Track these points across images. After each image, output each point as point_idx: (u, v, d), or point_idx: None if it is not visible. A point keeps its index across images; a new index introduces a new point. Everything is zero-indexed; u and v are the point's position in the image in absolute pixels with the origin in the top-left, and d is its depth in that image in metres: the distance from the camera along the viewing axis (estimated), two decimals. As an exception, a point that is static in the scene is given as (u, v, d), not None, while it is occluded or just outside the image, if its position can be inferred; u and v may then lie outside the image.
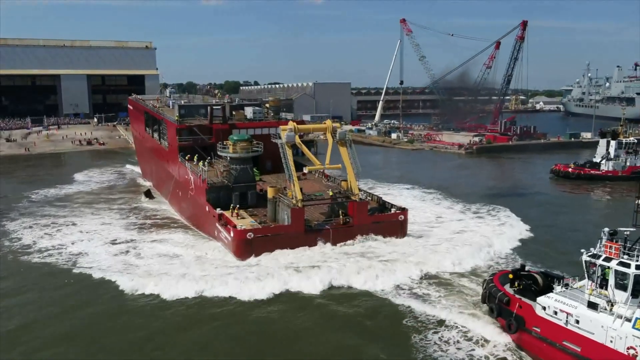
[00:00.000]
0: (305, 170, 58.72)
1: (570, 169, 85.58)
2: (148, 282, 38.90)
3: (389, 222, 48.51)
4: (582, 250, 28.29)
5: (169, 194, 67.11)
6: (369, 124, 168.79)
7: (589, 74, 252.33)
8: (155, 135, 73.78)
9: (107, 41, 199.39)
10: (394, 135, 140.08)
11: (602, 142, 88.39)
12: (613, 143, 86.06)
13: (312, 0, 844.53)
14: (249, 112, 64.18)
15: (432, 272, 41.06)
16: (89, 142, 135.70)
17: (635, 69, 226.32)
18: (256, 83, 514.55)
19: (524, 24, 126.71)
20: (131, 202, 68.89)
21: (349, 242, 46.33)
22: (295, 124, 48.98)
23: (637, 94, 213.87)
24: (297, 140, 47.89)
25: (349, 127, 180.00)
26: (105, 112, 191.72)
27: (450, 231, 52.85)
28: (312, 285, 38.20)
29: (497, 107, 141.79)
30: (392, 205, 51.25)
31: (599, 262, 27.29)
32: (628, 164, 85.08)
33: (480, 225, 55.87)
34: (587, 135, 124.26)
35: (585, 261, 27.95)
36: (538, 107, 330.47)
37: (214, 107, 61.61)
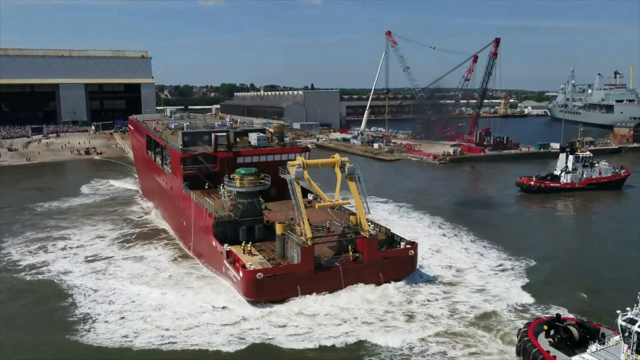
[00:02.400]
0: (310, 197, 58.57)
1: (532, 182, 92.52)
2: None
3: (399, 258, 48.10)
4: (618, 312, 28.36)
5: (172, 220, 67.36)
6: (355, 132, 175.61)
7: (573, 81, 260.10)
8: (158, 159, 73.86)
9: (104, 51, 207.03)
10: (375, 145, 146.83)
11: (562, 156, 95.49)
12: (571, 157, 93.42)
13: (310, 1, 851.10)
14: (253, 138, 63.19)
15: (447, 324, 40.44)
16: (87, 152, 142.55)
17: (615, 77, 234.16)
18: (252, 86, 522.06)
19: (497, 41, 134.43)
20: (131, 231, 68.26)
21: (360, 285, 45.59)
22: (303, 160, 48.42)
23: (617, 101, 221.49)
24: (306, 175, 47.53)
25: (337, 134, 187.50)
26: (102, 117, 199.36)
27: (424, 253, 55.36)
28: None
29: (473, 118, 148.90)
30: (402, 239, 50.66)
31: (635, 328, 26.90)
32: (584, 176, 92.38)
33: (448, 247, 59.85)
34: (556, 146, 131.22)
35: (621, 325, 27.72)
36: (526, 111, 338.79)
37: (218, 134, 60.92)
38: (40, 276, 52.32)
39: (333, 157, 49.55)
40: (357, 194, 48.11)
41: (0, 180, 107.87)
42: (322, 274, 44.81)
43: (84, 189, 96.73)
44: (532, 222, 75.66)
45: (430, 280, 49.33)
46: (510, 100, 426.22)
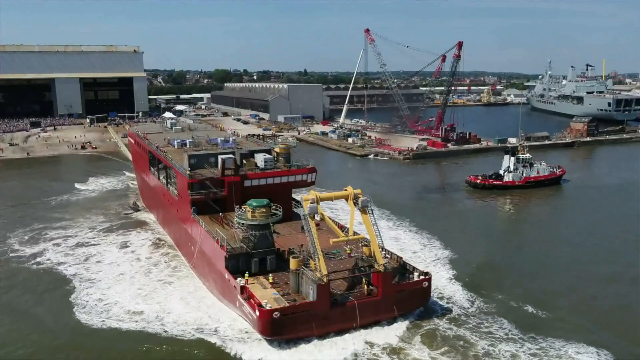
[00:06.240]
0: (318, 218, 56.67)
1: (478, 180, 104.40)
2: None
3: (413, 290, 48.24)
4: None
5: (177, 240, 68.53)
6: (335, 125, 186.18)
7: (549, 72, 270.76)
8: (162, 178, 74.07)
9: (98, 46, 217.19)
10: (350, 140, 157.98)
11: (506, 158, 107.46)
12: (512, 158, 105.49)
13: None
14: (259, 159, 63.26)
15: None
16: (83, 146, 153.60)
17: (587, 70, 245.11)
18: (245, 71, 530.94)
19: (460, 45, 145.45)
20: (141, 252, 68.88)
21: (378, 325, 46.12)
22: (317, 194, 47.58)
23: (587, 93, 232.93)
24: (320, 210, 47.56)
25: (320, 127, 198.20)
26: (97, 108, 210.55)
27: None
28: None
29: (439, 115, 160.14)
30: (414, 268, 50.62)
31: None
32: (524, 175, 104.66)
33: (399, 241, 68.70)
34: (512, 141, 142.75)
35: None
36: (509, 99, 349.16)
37: (225, 157, 60.57)
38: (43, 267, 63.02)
39: (346, 190, 49.11)
40: (370, 227, 47.74)
41: (6, 174, 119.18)
42: (338, 310, 45.00)
43: (80, 185, 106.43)
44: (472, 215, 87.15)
45: (448, 311, 50.03)
46: (498, 87, 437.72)
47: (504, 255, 66.98)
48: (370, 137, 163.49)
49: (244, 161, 63.47)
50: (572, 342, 44.37)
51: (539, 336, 45.38)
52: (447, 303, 51.90)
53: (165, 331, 47.03)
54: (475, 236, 74.43)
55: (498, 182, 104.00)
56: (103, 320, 49.06)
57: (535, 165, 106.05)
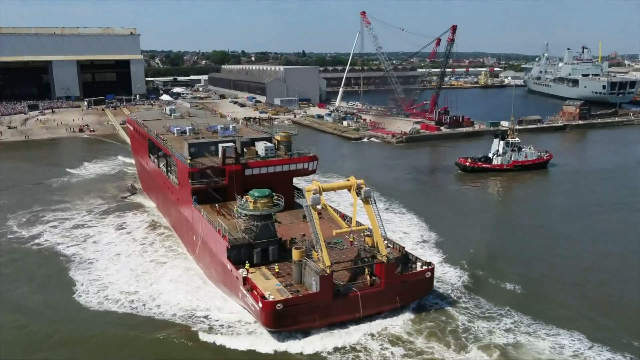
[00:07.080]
0: (319, 207, 56.42)
1: (467, 163, 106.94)
2: None
3: (416, 281, 48.14)
4: None
5: (177, 228, 68.80)
6: (331, 109, 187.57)
7: (546, 54, 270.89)
8: (162, 166, 74.07)
9: (95, 28, 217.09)
10: (345, 123, 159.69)
11: (496, 142, 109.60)
12: (502, 142, 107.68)
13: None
14: (260, 148, 62.94)
15: None
16: (81, 129, 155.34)
17: (583, 52, 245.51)
18: (243, 52, 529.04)
19: (454, 28, 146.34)
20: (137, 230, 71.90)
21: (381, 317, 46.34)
22: (319, 184, 46.89)
23: (582, 75, 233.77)
24: (323, 201, 46.97)
25: (316, 109, 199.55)
26: (94, 90, 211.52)
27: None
28: None
29: (433, 99, 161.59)
30: (417, 258, 50.38)
31: None
32: (512, 159, 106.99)
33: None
34: (505, 124, 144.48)
35: None
36: (506, 81, 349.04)
37: (226, 146, 59.88)
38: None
39: (348, 180, 48.72)
40: (373, 218, 47.37)
41: (5, 156, 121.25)
42: (341, 301, 44.94)
43: (79, 169, 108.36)
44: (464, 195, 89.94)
45: (450, 302, 50.26)
46: (496, 69, 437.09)
47: (489, 236, 69.55)
48: (365, 120, 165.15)
49: (245, 149, 62.85)
50: (542, 323, 46.82)
51: (517, 313, 48.13)
52: (436, 282, 53.03)
53: (160, 313, 48.77)
54: (462, 217, 77.00)
55: (487, 165, 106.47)
56: (99, 300, 51.31)
57: (523, 149, 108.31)
